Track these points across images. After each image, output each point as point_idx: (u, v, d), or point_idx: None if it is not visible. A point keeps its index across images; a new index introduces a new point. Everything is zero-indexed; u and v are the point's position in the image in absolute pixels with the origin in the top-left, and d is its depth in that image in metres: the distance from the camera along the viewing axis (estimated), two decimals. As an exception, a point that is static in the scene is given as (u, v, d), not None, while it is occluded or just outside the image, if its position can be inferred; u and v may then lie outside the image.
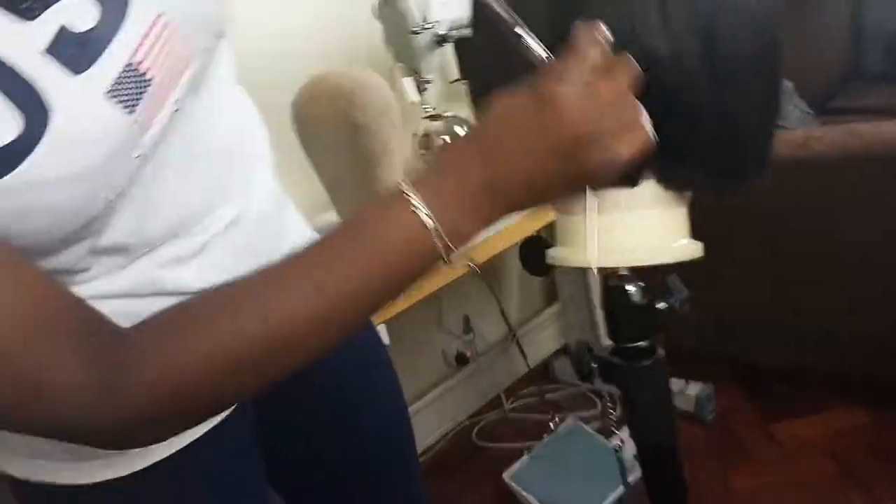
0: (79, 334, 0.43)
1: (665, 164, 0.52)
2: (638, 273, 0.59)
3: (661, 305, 0.59)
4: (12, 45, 0.40)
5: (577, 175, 0.46)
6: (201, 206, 0.55)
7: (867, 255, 1.47)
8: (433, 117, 1.33)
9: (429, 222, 0.45)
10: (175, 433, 0.49)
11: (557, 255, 0.57)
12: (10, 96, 0.39)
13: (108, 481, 0.58)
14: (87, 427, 0.43)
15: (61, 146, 0.41)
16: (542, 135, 0.45)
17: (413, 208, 0.45)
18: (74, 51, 0.41)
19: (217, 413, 0.60)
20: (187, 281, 0.55)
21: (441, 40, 1.31)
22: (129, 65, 0.44)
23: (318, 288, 0.45)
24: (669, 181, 0.53)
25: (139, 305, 0.49)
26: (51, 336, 0.41)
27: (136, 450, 0.57)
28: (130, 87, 0.44)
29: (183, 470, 0.60)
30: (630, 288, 0.58)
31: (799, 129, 1.57)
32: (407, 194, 0.45)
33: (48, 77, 0.40)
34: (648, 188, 0.53)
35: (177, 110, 0.49)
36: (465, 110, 1.45)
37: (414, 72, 1.31)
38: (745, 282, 1.65)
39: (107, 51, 0.43)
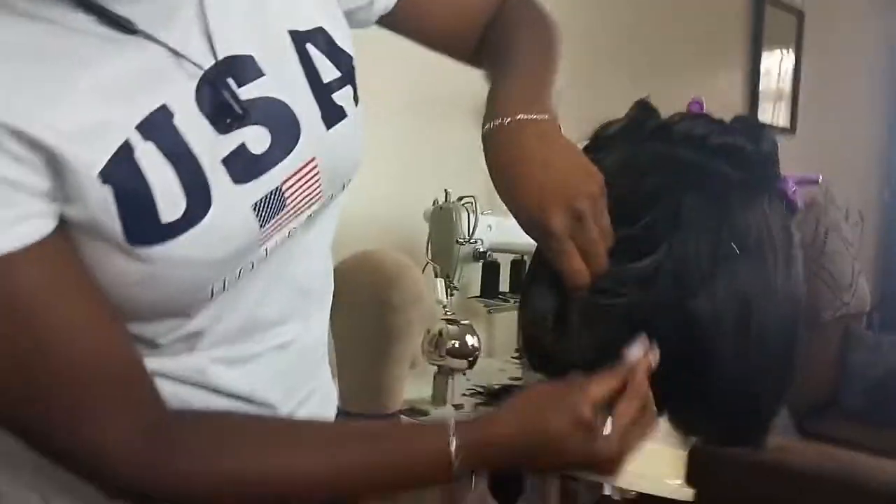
0: (143, 404, 0.51)
1: (681, 408, 0.58)
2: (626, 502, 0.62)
3: (644, 540, 0.62)
4: (205, 149, 0.51)
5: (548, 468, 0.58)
6: (266, 318, 0.62)
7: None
8: (450, 321, 1.42)
9: (455, 465, 0.53)
10: None
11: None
12: (185, 186, 0.50)
13: None
14: (114, 480, 0.50)
15: (206, 235, 0.50)
16: (531, 438, 0.54)
17: (450, 450, 0.53)
18: (244, 166, 0.52)
19: None
20: (231, 382, 0.60)
21: (478, 256, 1.44)
22: (278, 189, 0.54)
23: (341, 465, 0.54)
24: (681, 424, 0.59)
25: (180, 391, 0.57)
26: (121, 396, 0.50)
27: None
28: (270, 207, 0.54)
29: None
30: (617, 513, 0.61)
31: (778, 437, 1.63)
32: (451, 435, 0.53)
33: (218, 180, 0.51)
34: (661, 424, 0.59)
35: (289, 236, 0.58)
36: (475, 324, 1.53)
37: (446, 276, 1.42)
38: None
39: (267, 174, 0.54)
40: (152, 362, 0.56)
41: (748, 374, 0.56)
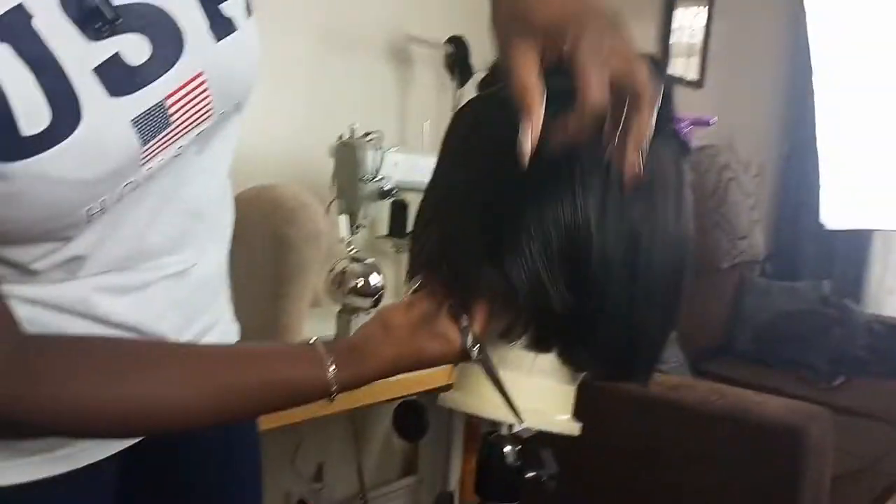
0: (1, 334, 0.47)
1: (570, 343, 0.57)
2: (516, 438, 0.62)
3: (530, 474, 0.61)
4: (72, 55, 0.46)
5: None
6: (158, 247, 0.58)
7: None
8: (355, 259, 1.38)
9: (332, 385, 0.55)
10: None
11: (453, 398, 0.60)
12: (49, 95, 0.45)
13: None
14: None
15: (76, 152, 0.46)
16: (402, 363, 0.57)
17: (326, 371, 0.54)
18: (119, 77, 0.48)
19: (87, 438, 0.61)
20: (116, 312, 0.57)
21: (384, 195, 1.40)
22: (160, 104, 0.50)
23: (210, 389, 0.53)
24: (570, 359, 0.58)
25: (60, 321, 0.54)
26: None
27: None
28: (152, 123, 0.50)
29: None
30: (507, 448, 0.61)
31: (674, 375, 1.70)
32: (324, 356, 0.55)
33: (89, 91, 0.46)
34: (549, 359, 0.58)
35: (176, 156, 0.54)
36: (384, 264, 1.51)
37: (351, 213, 1.38)
38: (586, 494, 1.69)
39: (147, 87, 0.49)
40: (29, 290, 0.52)
41: (635, 312, 0.56)
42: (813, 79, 2.28)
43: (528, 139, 0.48)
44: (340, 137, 1.41)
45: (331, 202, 1.40)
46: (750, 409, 1.54)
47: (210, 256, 0.65)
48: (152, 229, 0.57)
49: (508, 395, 0.57)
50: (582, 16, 0.48)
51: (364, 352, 0.56)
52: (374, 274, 1.38)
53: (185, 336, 0.64)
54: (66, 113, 0.45)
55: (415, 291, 0.59)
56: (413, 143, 1.75)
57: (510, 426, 0.61)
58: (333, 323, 1.42)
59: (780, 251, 3.31)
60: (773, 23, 3.38)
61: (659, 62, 0.60)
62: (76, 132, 0.46)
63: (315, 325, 1.42)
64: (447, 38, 1.75)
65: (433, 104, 1.92)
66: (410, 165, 1.43)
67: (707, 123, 0.64)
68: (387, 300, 1.49)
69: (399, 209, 1.61)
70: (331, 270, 1.38)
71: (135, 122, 0.49)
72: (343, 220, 1.34)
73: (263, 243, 1.10)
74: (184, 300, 0.62)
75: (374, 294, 1.38)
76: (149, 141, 0.50)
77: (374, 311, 1.43)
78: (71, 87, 0.46)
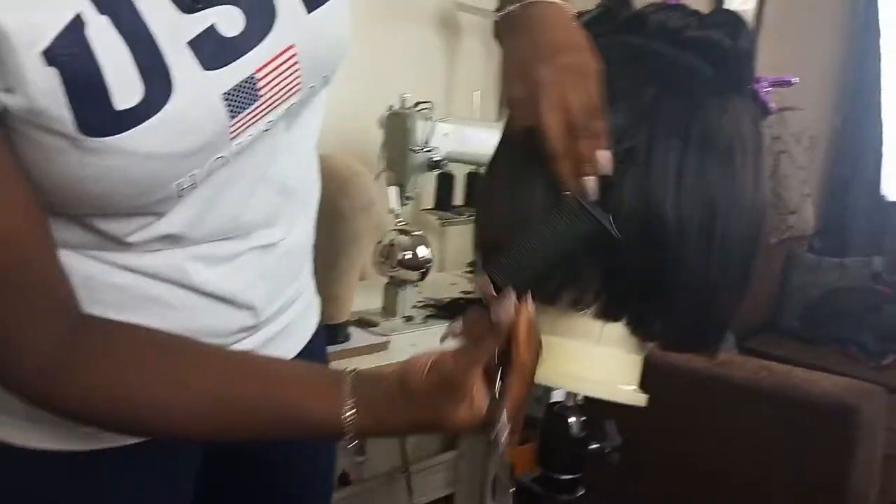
0: (59, 313, 0.49)
1: (640, 313, 0.56)
2: (581, 410, 0.62)
3: (594, 446, 0.61)
4: (166, 28, 0.45)
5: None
6: (251, 221, 0.58)
7: (757, 484, 1.53)
8: (403, 231, 1.38)
9: (347, 430, 0.52)
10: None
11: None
12: (142, 69, 0.44)
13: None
14: (21, 393, 0.49)
15: (168, 126, 0.46)
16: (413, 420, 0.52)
17: (347, 412, 0.51)
18: (213, 50, 0.47)
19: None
20: (210, 281, 0.57)
21: (433, 165, 1.39)
22: (251, 78, 0.50)
23: (233, 408, 0.52)
24: (640, 328, 0.57)
25: (155, 288, 0.55)
26: (38, 304, 0.47)
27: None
28: (242, 97, 0.49)
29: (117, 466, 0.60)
30: (571, 419, 0.61)
31: (723, 351, 1.67)
32: (343, 399, 0.51)
33: (183, 65, 0.46)
34: (618, 328, 0.57)
35: (266, 131, 0.54)
36: (430, 235, 1.51)
37: (400, 185, 1.37)
38: (639, 478, 1.69)
39: (239, 60, 0.49)
40: (126, 258, 0.53)
41: (709, 279, 0.54)
42: (880, 43, 2.19)
43: None
44: (391, 108, 1.40)
45: (379, 172, 1.40)
46: (799, 387, 1.51)
47: (298, 230, 0.65)
48: (247, 207, 0.57)
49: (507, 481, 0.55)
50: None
51: (384, 408, 0.52)
52: (423, 247, 1.38)
53: (271, 307, 0.64)
54: (158, 87, 0.45)
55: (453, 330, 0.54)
56: (461, 113, 1.74)
57: (575, 396, 0.61)
58: (381, 295, 1.43)
59: (830, 226, 3.22)
60: (828, -10, 3.26)
61: (741, 19, 0.58)
62: (167, 106, 0.46)
63: (363, 297, 1.43)
64: (496, 6, 1.72)
65: (482, 74, 1.90)
66: (460, 136, 1.42)
67: (788, 83, 0.61)
68: (433, 273, 1.49)
69: (445, 181, 1.61)
70: (379, 242, 1.39)
71: (226, 96, 0.48)
72: (393, 192, 1.34)
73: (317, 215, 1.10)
74: (272, 271, 0.62)
75: (422, 266, 1.38)
76: (238, 114, 0.50)
77: (420, 285, 1.44)
78: (162, 61, 0.45)
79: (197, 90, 0.47)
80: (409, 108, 1.38)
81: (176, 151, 0.48)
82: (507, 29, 0.56)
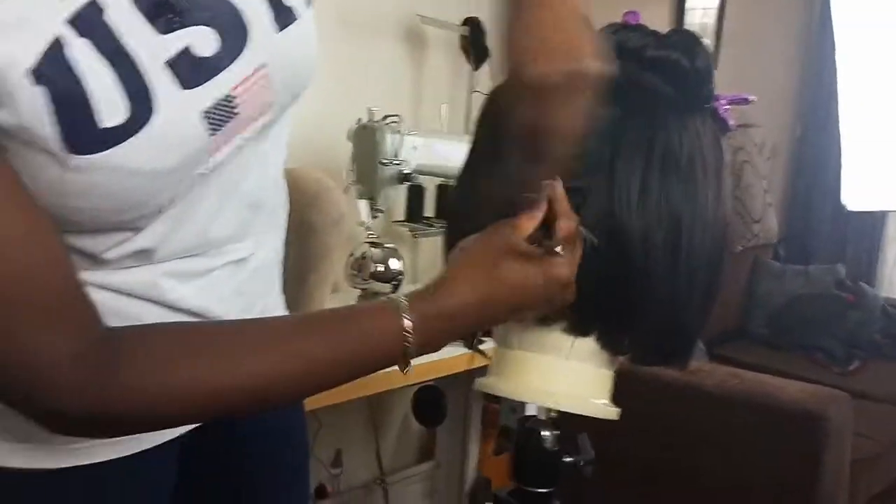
0: (80, 323, 0.46)
1: (609, 327, 0.57)
2: (553, 423, 0.62)
3: (568, 459, 0.61)
4: (145, 48, 0.46)
5: (514, 317, 0.54)
6: (220, 236, 0.58)
7: (729, 491, 1.55)
8: (374, 244, 1.38)
9: (409, 345, 0.50)
10: (122, 435, 0.55)
11: (490, 383, 0.60)
12: (127, 89, 0.45)
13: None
14: (52, 407, 0.46)
15: (151, 143, 0.47)
16: (491, 295, 0.51)
17: (403, 329, 0.49)
18: (190, 69, 0.48)
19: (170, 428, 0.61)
20: (184, 297, 0.57)
21: (403, 178, 1.39)
22: (229, 96, 0.50)
23: (297, 355, 0.50)
24: (609, 343, 0.57)
25: (130, 306, 0.54)
26: (57, 315, 0.45)
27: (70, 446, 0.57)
28: (220, 114, 0.50)
29: (111, 478, 0.59)
30: (545, 433, 0.61)
31: (693, 360, 1.69)
32: (403, 314, 0.50)
33: (162, 84, 0.47)
34: (588, 343, 0.57)
35: (240, 147, 0.55)
36: (401, 247, 1.50)
37: (370, 197, 1.37)
38: (615, 488, 1.69)
39: (215, 79, 0.50)
40: (99, 276, 0.52)
41: (676, 293, 0.55)
42: (835, 55, 2.25)
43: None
44: (359, 121, 1.40)
45: (348, 185, 1.40)
46: (769, 394, 1.54)
47: (268, 244, 0.65)
48: (216, 221, 0.57)
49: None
50: None
51: (441, 292, 0.51)
52: (394, 259, 1.37)
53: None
54: (141, 105, 0.46)
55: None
56: (430, 126, 1.74)
57: (548, 411, 0.61)
58: (352, 308, 1.42)
59: (794, 234, 3.29)
60: (786, 2, 3.34)
61: (698, 39, 0.59)
62: (151, 124, 0.46)
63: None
64: (462, 20, 1.73)
65: (449, 87, 1.90)
66: (429, 149, 1.42)
67: (746, 101, 0.62)
68: (405, 286, 1.49)
69: (416, 194, 1.61)
70: (350, 255, 1.38)
71: (205, 114, 0.49)
72: (363, 205, 1.33)
73: (286, 227, 1.09)
74: (244, 286, 0.62)
75: (394, 279, 1.38)
76: (217, 131, 0.51)
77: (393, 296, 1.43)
78: (143, 80, 0.46)
79: (178, 108, 0.48)
80: (377, 121, 1.38)
81: (159, 168, 0.48)
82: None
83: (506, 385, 0.59)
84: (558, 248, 0.50)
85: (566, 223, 0.51)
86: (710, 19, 2.98)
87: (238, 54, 0.51)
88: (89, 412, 0.46)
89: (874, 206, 2.24)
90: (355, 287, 1.39)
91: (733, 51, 3.00)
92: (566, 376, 0.58)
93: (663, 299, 0.55)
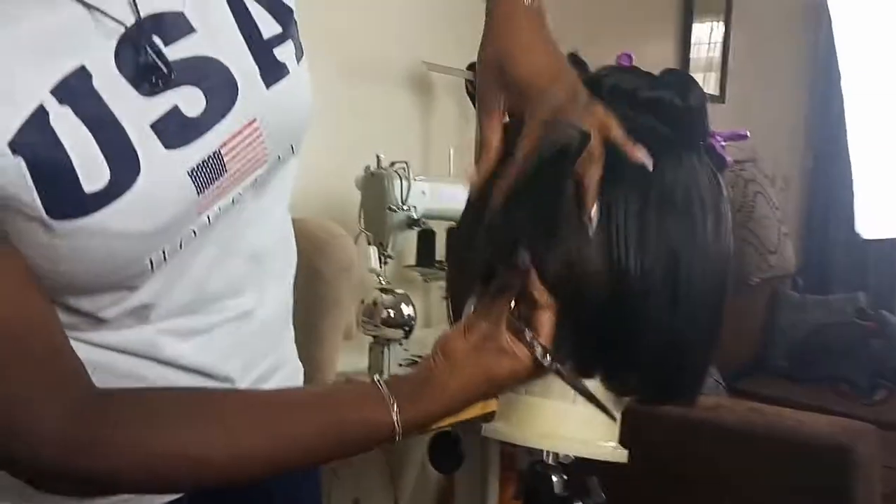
0: (68, 384, 0.48)
1: (613, 369, 0.57)
2: (562, 467, 0.61)
3: (578, 504, 0.61)
4: (129, 112, 0.47)
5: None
6: (220, 292, 0.59)
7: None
8: (385, 290, 1.38)
9: (397, 427, 0.52)
10: (106, 496, 0.55)
11: (498, 429, 0.59)
12: (108, 152, 0.46)
13: None
14: (36, 466, 0.47)
15: (136, 205, 0.47)
16: (476, 394, 0.55)
17: (390, 412, 0.52)
18: (176, 130, 0.49)
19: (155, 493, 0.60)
20: (183, 355, 0.57)
21: (412, 223, 1.41)
22: (216, 153, 0.51)
23: (278, 437, 0.52)
24: (613, 384, 0.57)
25: (127, 363, 0.55)
26: (45, 376, 0.47)
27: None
28: (208, 172, 0.51)
29: None
30: (554, 478, 0.60)
31: (711, 395, 1.67)
32: (387, 397, 0.52)
33: (147, 146, 0.48)
34: (593, 385, 0.57)
35: (234, 203, 0.55)
36: (412, 294, 1.51)
37: (379, 244, 1.38)
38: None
39: (202, 137, 0.50)
40: (97, 335, 0.53)
41: (678, 330, 0.55)
42: (841, 84, 2.26)
43: (472, 185, 0.56)
44: (367, 168, 1.42)
45: (359, 233, 1.41)
46: (792, 428, 1.51)
47: (271, 297, 0.65)
48: (214, 276, 0.57)
49: (595, 397, 0.55)
50: (549, 90, 0.54)
51: (428, 386, 0.54)
52: (405, 304, 1.38)
53: (249, 377, 0.64)
54: (125, 168, 0.47)
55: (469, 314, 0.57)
56: (438, 171, 1.76)
57: (556, 455, 0.60)
58: (366, 355, 1.42)
59: (812, 264, 3.26)
60: (791, 34, 3.37)
61: (690, 78, 0.60)
62: (135, 186, 0.47)
63: (348, 357, 1.42)
64: (467, 64, 1.77)
65: (456, 131, 1.93)
66: (437, 193, 1.44)
67: (744, 137, 0.63)
68: (418, 330, 1.48)
69: (426, 238, 1.62)
70: (362, 302, 1.39)
71: (191, 173, 0.50)
72: (372, 251, 1.34)
73: (296, 278, 1.10)
74: (247, 342, 0.62)
75: (406, 324, 1.38)
76: (205, 189, 0.51)
77: (405, 342, 1.43)
78: (130, 143, 0.47)
79: (163, 169, 0.49)
80: (385, 167, 1.40)
81: (145, 230, 0.49)
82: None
83: (512, 430, 0.59)
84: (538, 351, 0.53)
85: (546, 316, 0.53)
86: (716, 53, 3.00)
87: (226, 112, 0.52)
88: (72, 469, 0.47)
89: (889, 234, 2.22)
90: (367, 334, 1.39)
91: (740, 84, 3.02)
92: (573, 420, 0.57)
93: (665, 337, 0.55)
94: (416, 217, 1.40)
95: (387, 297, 1.36)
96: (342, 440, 0.53)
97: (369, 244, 1.37)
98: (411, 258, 1.69)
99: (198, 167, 0.50)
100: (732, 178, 2.56)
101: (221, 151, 0.51)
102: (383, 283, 1.38)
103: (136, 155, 0.47)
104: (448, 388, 0.53)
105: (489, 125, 0.56)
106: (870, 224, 2.07)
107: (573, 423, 0.57)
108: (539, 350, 0.53)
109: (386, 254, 1.38)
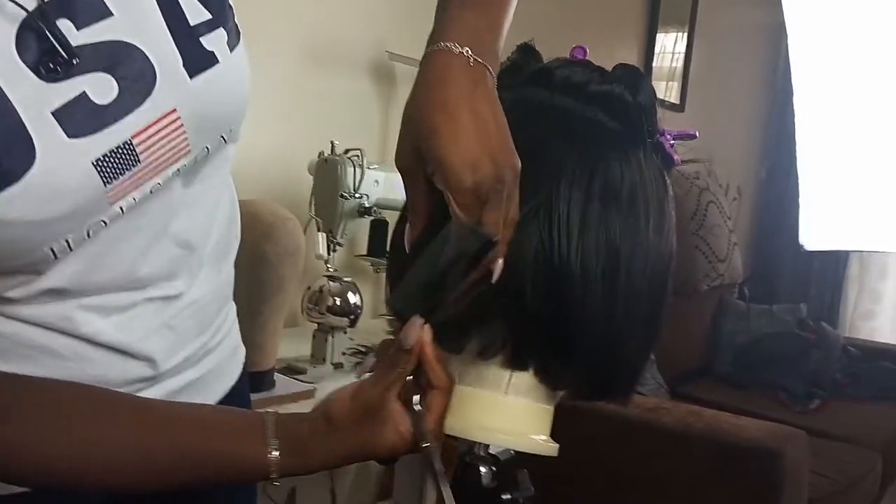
0: None
1: (547, 361, 0.56)
2: (493, 460, 0.61)
3: (506, 497, 0.60)
4: (26, 98, 0.45)
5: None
6: (150, 275, 0.57)
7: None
8: (332, 277, 1.37)
9: (272, 471, 0.51)
10: None
11: (427, 417, 0.59)
12: (4, 141, 0.44)
13: None
14: None
15: (32, 193, 0.45)
16: (354, 455, 0.54)
17: (272, 452, 0.51)
18: (82, 118, 0.47)
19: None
20: (101, 331, 0.55)
21: (364, 212, 1.39)
22: (127, 143, 0.49)
23: (144, 455, 0.51)
24: (547, 377, 0.57)
25: (43, 338, 0.53)
26: None
27: None
28: (117, 163, 0.49)
29: None
30: (483, 469, 0.59)
31: (652, 397, 1.69)
32: (268, 439, 0.52)
33: (45, 133, 0.46)
34: (526, 378, 0.57)
35: (158, 191, 0.53)
36: (362, 283, 1.50)
37: (329, 231, 1.37)
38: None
39: (112, 127, 0.48)
40: (10, 309, 0.51)
41: (614, 328, 0.55)
42: (794, 98, 2.32)
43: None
44: (321, 154, 1.40)
45: (310, 219, 1.39)
46: (727, 431, 1.54)
47: (204, 281, 0.63)
48: (143, 262, 0.56)
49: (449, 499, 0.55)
50: (467, 177, 0.49)
51: (309, 446, 0.53)
52: (352, 292, 1.36)
53: (174, 359, 0.62)
54: (18, 156, 0.45)
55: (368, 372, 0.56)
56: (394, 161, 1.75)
57: (486, 447, 0.60)
58: (310, 342, 1.40)
59: (759, 274, 3.34)
60: (752, 47, 3.44)
61: (641, 74, 0.60)
62: (29, 175, 0.45)
63: (291, 344, 1.40)
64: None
65: (415, 123, 1.92)
66: (391, 183, 1.42)
67: (693, 136, 0.63)
68: (364, 319, 1.47)
69: (379, 228, 1.60)
70: (308, 288, 1.37)
71: (97, 163, 0.48)
72: (321, 238, 1.33)
73: (239, 259, 1.08)
74: (174, 323, 0.61)
75: (352, 313, 1.37)
76: (114, 180, 0.49)
77: (351, 331, 1.42)
78: (25, 130, 0.45)
79: (62, 158, 0.46)
80: (339, 154, 1.38)
81: (42, 218, 0.47)
82: (434, 65, 0.53)
83: (449, 421, 0.58)
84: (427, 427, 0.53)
85: (441, 398, 0.53)
86: (678, 63, 3.05)
87: (143, 101, 0.49)
88: None
89: (831, 246, 2.29)
90: (311, 321, 1.37)
91: (700, 94, 3.07)
92: (504, 411, 0.57)
93: (601, 333, 0.55)
94: (367, 206, 1.38)
95: (333, 285, 1.35)
96: (212, 467, 0.52)
97: (319, 231, 1.35)
98: (363, 248, 1.67)
99: (105, 157, 0.48)
100: (686, 186, 2.60)
101: (134, 142, 0.49)
102: (331, 270, 1.36)
103: (32, 142, 0.45)
104: (327, 452, 0.53)
105: (414, 192, 0.52)
106: (813, 236, 2.13)
107: (504, 415, 0.57)
108: (421, 431, 0.53)
109: (335, 241, 1.37)
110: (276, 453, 0.51)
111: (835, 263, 3.37)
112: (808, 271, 3.36)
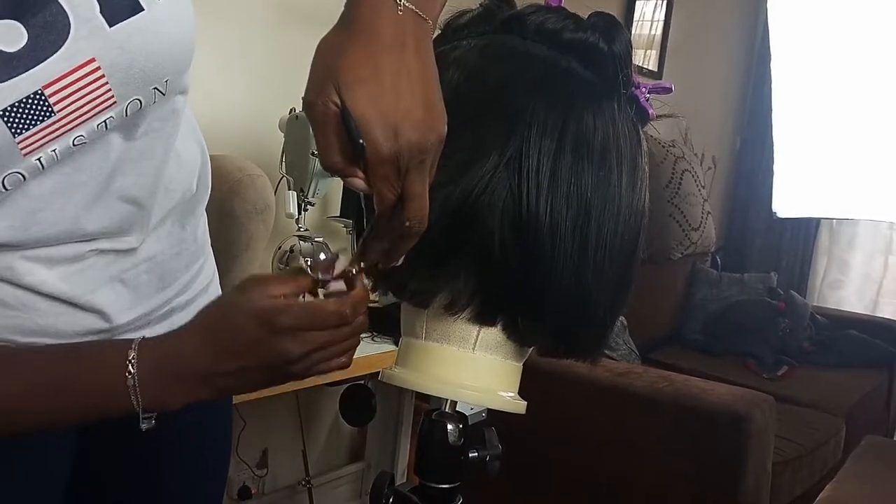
0: None
1: (515, 317, 0.55)
2: (460, 417, 0.60)
3: (473, 454, 0.60)
4: None
5: (280, 379, 0.53)
6: (99, 229, 0.55)
7: (655, 492, 1.56)
8: (303, 237, 1.34)
9: (132, 392, 0.50)
10: None
11: (395, 374, 0.58)
12: None
13: None
14: None
15: None
16: (258, 353, 0.51)
17: (127, 374, 0.50)
18: None
19: None
20: (45, 282, 0.54)
21: (336, 171, 1.36)
22: (38, 93, 0.46)
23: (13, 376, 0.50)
24: (515, 332, 0.56)
25: None
26: None
27: None
28: (27, 114, 0.46)
29: None
30: (450, 426, 0.59)
31: (623, 362, 1.70)
32: (129, 359, 0.50)
33: None
34: (494, 333, 0.56)
35: (74, 144, 0.50)
36: (335, 244, 1.47)
37: (301, 190, 1.34)
38: (537, 489, 1.69)
39: (20, 76, 0.45)
40: None
41: (583, 284, 0.54)
42: (771, 66, 2.32)
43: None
44: (292, 111, 1.37)
45: (281, 178, 1.36)
46: (696, 396, 1.56)
47: (161, 238, 0.62)
48: (87, 218, 0.54)
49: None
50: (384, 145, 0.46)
51: (179, 330, 0.52)
52: (323, 253, 1.34)
53: (132, 313, 0.61)
54: None
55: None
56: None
57: (454, 403, 0.59)
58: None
59: (732, 243, 3.37)
60: (730, 16, 3.42)
61: (617, 23, 0.58)
62: None
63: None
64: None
65: (390, 83, 1.88)
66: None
67: (669, 90, 0.61)
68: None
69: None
70: (279, 248, 1.35)
71: (4, 113, 0.45)
72: (291, 196, 1.30)
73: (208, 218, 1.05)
74: (128, 277, 0.59)
75: (323, 273, 1.35)
76: (25, 131, 0.47)
77: (321, 292, 1.40)
78: None
79: None
80: (311, 111, 1.35)
81: None
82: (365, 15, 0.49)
83: (410, 376, 0.57)
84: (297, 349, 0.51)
85: (321, 334, 0.51)
86: (657, 31, 3.03)
87: (55, 50, 0.46)
88: None
89: (803, 213, 2.31)
90: (283, 280, 1.35)
91: (679, 63, 3.05)
92: (472, 367, 0.56)
93: (570, 288, 0.53)
94: (340, 164, 1.35)
95: (304, 245, 1.32)
96: (73, 397, 0.50)
97: (289, 189, 1.33)
98: (336, 208, 1.65)
99: (13, 108, 0.46)
100: (661, 155, 2.59)
101: (46, 92, 0.47)
102: (302, 229, 1.34)
103: None
104: (193, 330, 0.51)
105: (326, 133, 0.48)
106: (785, 203, 2.15)
107: (471, 371, 0.56)
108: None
109: (306, 200, 1.34)
110: (134, 353, 0.49)
111: (805, 234, 3.41)
112: (780, 241, 3.40)
